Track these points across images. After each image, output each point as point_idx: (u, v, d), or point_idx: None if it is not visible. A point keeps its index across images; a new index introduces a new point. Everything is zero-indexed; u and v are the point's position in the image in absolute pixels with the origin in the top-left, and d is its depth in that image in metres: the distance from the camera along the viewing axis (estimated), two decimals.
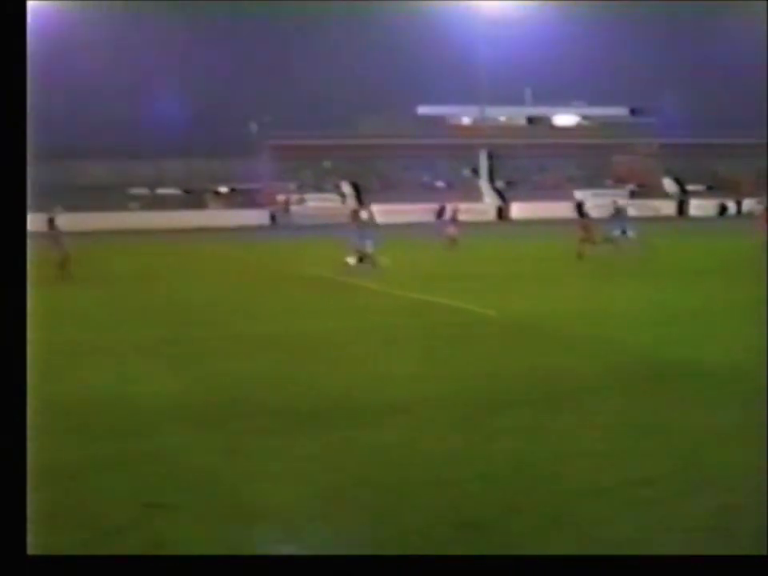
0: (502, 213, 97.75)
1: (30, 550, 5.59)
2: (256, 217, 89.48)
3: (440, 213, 69.83)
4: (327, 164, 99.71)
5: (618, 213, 44.59)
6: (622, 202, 57.34)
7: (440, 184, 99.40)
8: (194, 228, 79.04)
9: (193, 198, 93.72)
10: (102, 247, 40.74)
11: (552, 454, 10.95)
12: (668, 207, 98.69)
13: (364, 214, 51.95)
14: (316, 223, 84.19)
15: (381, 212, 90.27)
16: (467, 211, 68.88)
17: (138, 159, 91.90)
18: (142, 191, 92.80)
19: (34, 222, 37.13)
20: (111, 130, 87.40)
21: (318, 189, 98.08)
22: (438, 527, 8.63)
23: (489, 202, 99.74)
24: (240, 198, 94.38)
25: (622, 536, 8.31)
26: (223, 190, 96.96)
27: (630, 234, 41.78)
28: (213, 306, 27.14)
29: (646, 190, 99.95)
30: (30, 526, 5.57)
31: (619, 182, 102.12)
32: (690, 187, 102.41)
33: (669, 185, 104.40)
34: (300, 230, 76.45)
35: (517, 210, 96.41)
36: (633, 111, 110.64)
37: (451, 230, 51.31)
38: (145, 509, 9.22)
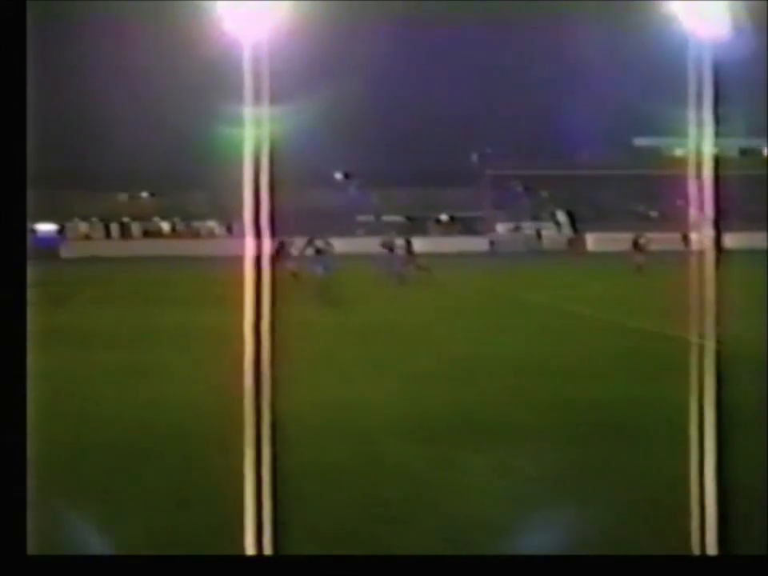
0: (719, 243, 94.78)
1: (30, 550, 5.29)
2: (475, 244, 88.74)
3: (635, 243, 69.12)
4: (544, 193, 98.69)
5: None
6: None
7: (653, 213, 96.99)
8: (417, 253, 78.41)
9: (415, 225, 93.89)
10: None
11: None
12: None
13: None
14: (531, 250, 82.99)
15: (594, 240, 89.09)
16: (672, 240, 67.02)
17: (364, 188, 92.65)
18: (368, 218, 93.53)
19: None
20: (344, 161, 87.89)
21: (535, 218, 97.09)
22: None
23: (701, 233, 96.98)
24: (459, 226, 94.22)
25: None
26: (443, 217, 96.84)
27: None
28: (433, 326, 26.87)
29: None
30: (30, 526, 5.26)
31: None
32: None
33: None
34: (518, 257, 74.81)
35: (729, 239, 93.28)
36: None
37: (639, 258, 52.40)
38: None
